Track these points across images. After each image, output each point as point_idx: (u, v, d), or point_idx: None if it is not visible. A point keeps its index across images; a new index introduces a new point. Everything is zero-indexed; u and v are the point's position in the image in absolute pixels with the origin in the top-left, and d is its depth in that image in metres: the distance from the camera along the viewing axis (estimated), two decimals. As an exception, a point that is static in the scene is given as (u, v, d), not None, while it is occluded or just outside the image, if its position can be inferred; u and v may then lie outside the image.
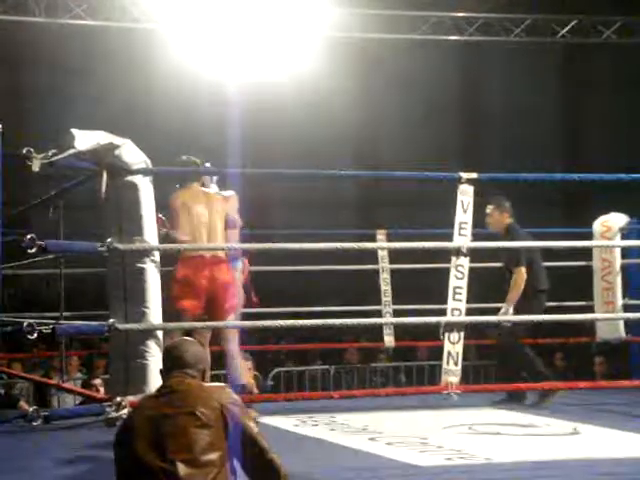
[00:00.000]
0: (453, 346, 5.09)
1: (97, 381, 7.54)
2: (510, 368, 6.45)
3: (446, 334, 5.12)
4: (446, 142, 15.46)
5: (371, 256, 8.27)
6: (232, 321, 5.67)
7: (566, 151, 16.48)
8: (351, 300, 8.78)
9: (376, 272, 8.16)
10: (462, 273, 5.12)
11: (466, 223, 5.17)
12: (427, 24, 9.82)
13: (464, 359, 5.35)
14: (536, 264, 6.45)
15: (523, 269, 6.21)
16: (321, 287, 11.74)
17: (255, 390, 7.48)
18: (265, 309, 7.52)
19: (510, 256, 6.28)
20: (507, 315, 6.00)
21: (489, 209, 6.51)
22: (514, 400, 6.35)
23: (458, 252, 5.13)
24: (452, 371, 5.10)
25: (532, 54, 13.89)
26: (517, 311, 6.16)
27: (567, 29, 9.93)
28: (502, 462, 4.79)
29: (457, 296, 5.11)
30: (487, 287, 6.89)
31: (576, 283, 8.39)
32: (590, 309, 7.83)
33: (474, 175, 5.29)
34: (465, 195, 5.17)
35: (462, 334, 5.14)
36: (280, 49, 10.87)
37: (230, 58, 11.42)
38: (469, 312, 5.75)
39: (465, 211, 5.16)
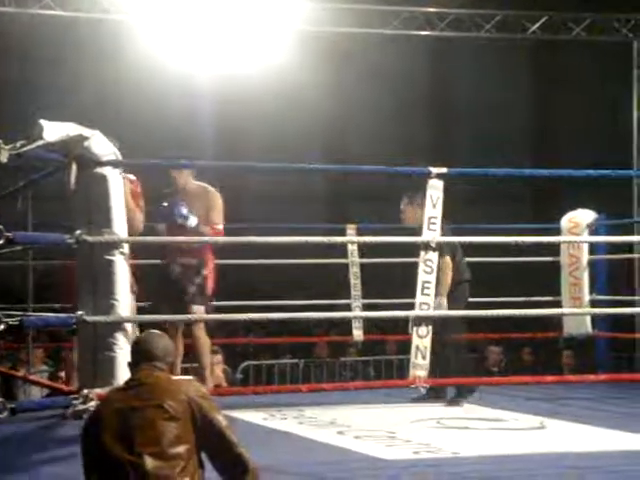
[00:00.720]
0: (421, 340, 5.11)
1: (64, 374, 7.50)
2: (443, 362, 6.20)
3: (414, 328, 5.14)
4: (415, 137, 15.50)
5: (340, 250, 8.28)
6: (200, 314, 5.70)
7: (535, 147, 16.59)
8: (320, 294, 8.78)
9: (345, 266, 8.18)
10: (430, 267, 5.14)
11: (435, 218, 5.19)
12: (398, 19, 9.83)
13: (432, 353, 5.37)
14: (458, 255, 6.31)
15: (448, 258, 6.06)
16: (290, 281, 11.74)
17: (224, 384, 7.50)
18: (235, 302, 7.52)
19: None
20: (442, 307, 5.94)
21: (402, 204, 6.40)
22: (432, 396, 6.27)
23: (427, 247, 5.14)
24: (420, 365, 5.12)
25: (502, 50, 13.95)
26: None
27: (537, 25, 9.96)
28: (469, 456, 4.82)
29: (426, 290, 5.13)
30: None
31: (544, 278, 8.45)
32: (558, 304, 7.88)
33: (444, 170, 5.31)
34: (434, 190, 5.18)
35: (430, 328, 5.16)
36: (251, 42, 10.84)
37: (201, 50, 11.38)
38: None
39: (434, 206, 5.17)
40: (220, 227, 6.00)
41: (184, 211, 5.84)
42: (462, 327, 6.38)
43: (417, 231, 6.12)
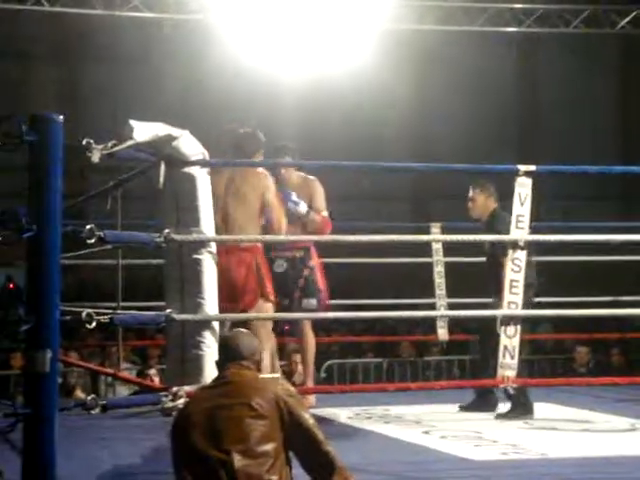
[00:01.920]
0: (510, 340, 5.04)
1: (152, 371, 7.60)
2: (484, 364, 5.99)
3: (502, 327, 5.08)
4: (501, 135, 15.34)
5: (425, 249, 8.23)
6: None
7: (623, 145, 16.29)
8: (405, 293, 8.74)
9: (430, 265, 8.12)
10: (519, 266, 5.07)
11: (523, 216, 5.11)
12: (485, 15, 9.75)
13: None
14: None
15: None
16: (373, 280, 11.72)
17: (309, 382, 7.52)
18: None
19: (497, 244, 5.74)
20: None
21: (472, 193, 6.10)
22: (481, 404, 6.04)
23: (515, 245, 5.08)
24: (508, 365, 5.06)
25: (591, 45, 13.74)
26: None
27: (627, 20, 9.79)
28: (557, 457, 4.75)
29: (514, 289, 5.06)
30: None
31: (634, 278, 8.29)
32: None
33: (532, 167, 5.24)
34: (523, 188, 5.11)
35: (519, 327, 5.10)
36: (335, 42, 10.86)
37: (285, 51, 11.43)
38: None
39: (522, 204, 5.10)
40: (326, 213, 6.00)
41: (294, 197, 5.89)
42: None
43: (482, 224, 6.04)
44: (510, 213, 5.28)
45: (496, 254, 5.70)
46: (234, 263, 5.36)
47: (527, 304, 5.59)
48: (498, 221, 5.91)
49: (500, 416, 5.85)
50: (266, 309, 5.51)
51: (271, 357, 5.62)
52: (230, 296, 5.36)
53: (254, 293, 5.46)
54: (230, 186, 5.53)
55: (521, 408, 5.85)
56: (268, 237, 5.44)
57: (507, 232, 5.29)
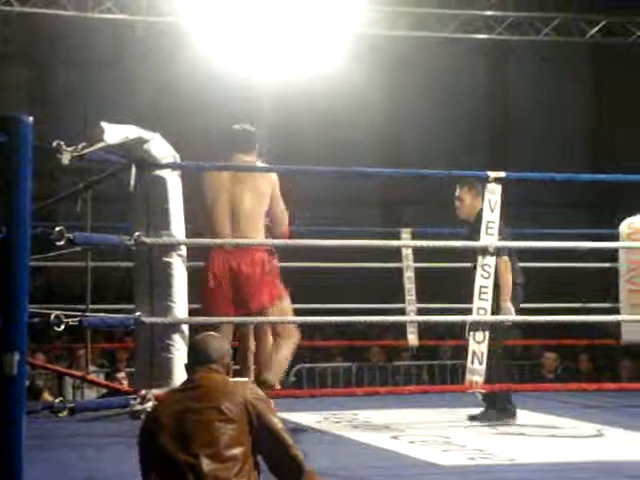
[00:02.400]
0: (478, 345, 5.07)
1: (121, 374, 7.57)
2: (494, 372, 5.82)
3: (471, 333, 5.10)
4: (473, 141, 15.41)
5: (395, 255, 8.24)
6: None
7: (594, 151, 16.41)
8: (374, 298, 8.76)
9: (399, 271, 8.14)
10: (488, 272, 5.09)
11: (493, 222, 5.14)
12: (456, 22, 9.81)
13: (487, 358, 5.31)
14: (512, 258, 5.86)
15: (506, 258, 5.64)
16: (344, 285, 11.74)
17: (278, 386, 7.51)
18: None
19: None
20: (509, 311, 5.61)
21: (459, 192, 5.94)
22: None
23: (485, 251, 5.11)
24: (476, 370, 5.08)
25: (561, 53, 13.84)
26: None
27: (597, 29, 9.89)
28: (525, 463, 4.77)
29: (483, 295, 5.09)
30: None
31: (600, 285, 8.35)
32: (616, 311, 7.78)
33: (502, 174, 5.27)
34: (492, 194, 5.15)
35: (487, 333, 5.13)
36: (308, 45, 10.88)
37: (258, 53, 11.43)
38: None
39: (492, 210, 5.13)
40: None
41: None
42: (508, 333, 6.10)
43: (471, 224, 5.91)
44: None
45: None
46: (247, 263, 5.25)
47: (517, 306, 5.65)
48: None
49: (472, 418, 5.87)
50: (287, 306, 5.41)
51: (291, 351, 5.52)
52: (239, 301, 5.25)
53: (270, 294, 5.33)
54: (237, 176, 5.38)
55: (501, 413, 5.86)
56: (246, 240, 5.31)
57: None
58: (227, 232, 5.20)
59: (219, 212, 5.21)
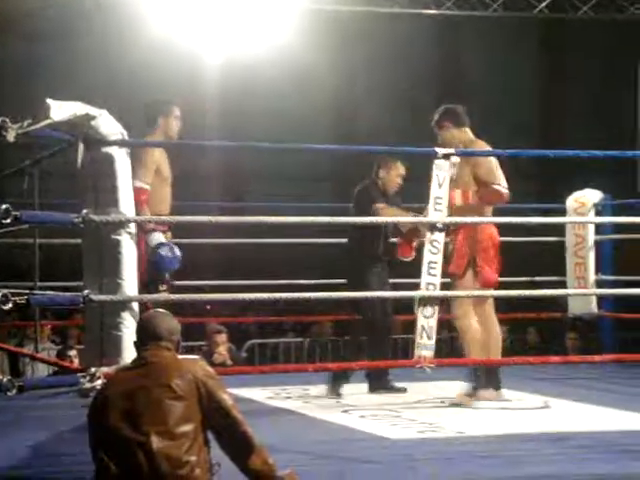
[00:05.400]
0: (427, 320, 5.11)
1: (72, 352, 7.53)
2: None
3: (420, 308, 5.14)
4: (424, 115, 15.45)
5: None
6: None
7: (542, 126, 16.54)
8: (327, 273, 8.78)
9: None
10: (437, 248, 5.13)
11: (441, 198, 5.18)
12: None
13: (437, 333, 5.37)
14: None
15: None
16: (295, 260, 11.75)
17: (229, 362, 7.52)
18: (243, 281, 7.52)
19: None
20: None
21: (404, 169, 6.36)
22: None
23: (433, 227, 5.14)
24: (425, 345, 5.13)
25: (510, 28, 13.91)
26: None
27: (545, 4, 9.94)
28: (473, 435, 4.84)
29: (432, 271, 5.13)
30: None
31: (549, 259, 8.44)
32: (563, 284, 7.88)
33: (451, 150, 5.31)
34: (440, 170, 5.17)
35: (436, 308, 5.17)
36: (258, 21, 10.83)
37: (207, 29, 11.37)
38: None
39: (440, 186, 5.16)
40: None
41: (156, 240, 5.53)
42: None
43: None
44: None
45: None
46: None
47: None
48: None
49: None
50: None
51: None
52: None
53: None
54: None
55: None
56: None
57: None
58: None
59: None
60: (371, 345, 6.18)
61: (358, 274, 6.18)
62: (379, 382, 6.21)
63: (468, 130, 5.97)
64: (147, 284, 5.33)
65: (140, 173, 5.39)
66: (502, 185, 5.81)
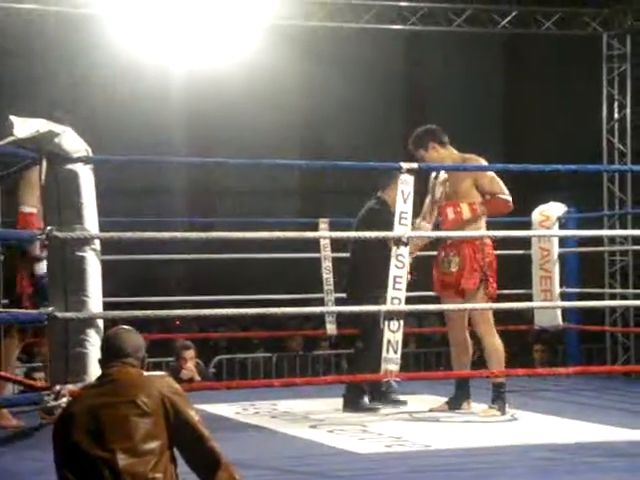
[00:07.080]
0: (393, 334, 5.12)
1: (40, 374, 7.43)
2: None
3: (386, 322, 5.16)
4: (390, 130, 15.52)
5: (314, 244, 8.27)
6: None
7: (506, 140, 16.66)
8: (294, 289, 8.78)
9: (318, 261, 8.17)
10: (402, 262, 5.15)
11: (406, 213, 5.19)
12: (370, 13, 9.85)
13: (404, 347, 5.39)
14: None
15: None
16: (262, 276, 11.75)
17: (197, 378, 7.50)
18: (208, 297, 7.52)
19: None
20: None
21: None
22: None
23: (399, 242, 5.16)
24: (392, 359, 5.14)
25: (475, 43, 14.01)
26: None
27: (508, 19, 10.03)
28: (440, 449, 4.86)
29: (397, 285, 5.14)
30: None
31: (515, 272, 8.49)
32: (529, 297, 7.93)
33: (414, 165, 5.33)
34: (406, 185, 5.20)
35: (402, 322, 5.18)
36: (223, 36, 10.83)
37: (173, 45, 11.36)
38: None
39: (405, 201, 5.18)
40: None
41: None
42: None
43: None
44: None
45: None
46: None
47: None
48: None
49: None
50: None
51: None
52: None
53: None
54: None
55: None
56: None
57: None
58: None
59: None
60: (364, 359, 6.09)
61: (363, 290, 6.05)
62: (369, 397, 6.13)
63: (451, 147, 6.05)
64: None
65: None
66: (507, 194, 5.92)
